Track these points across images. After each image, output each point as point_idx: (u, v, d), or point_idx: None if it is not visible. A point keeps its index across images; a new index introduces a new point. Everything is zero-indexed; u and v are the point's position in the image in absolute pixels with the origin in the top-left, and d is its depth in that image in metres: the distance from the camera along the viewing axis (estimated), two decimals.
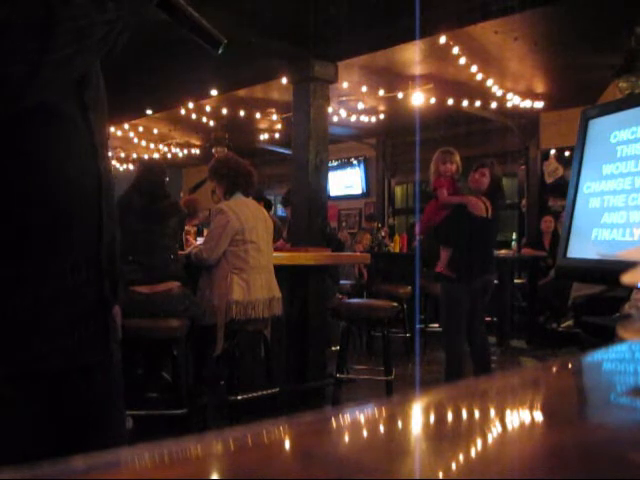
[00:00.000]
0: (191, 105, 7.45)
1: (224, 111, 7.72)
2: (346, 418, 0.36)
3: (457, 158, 4.26)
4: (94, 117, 0.98)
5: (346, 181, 10.79)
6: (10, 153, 0.87)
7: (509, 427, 0.36)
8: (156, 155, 10.78)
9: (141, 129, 9.22)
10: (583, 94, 6.22)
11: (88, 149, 0.96)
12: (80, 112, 0.95)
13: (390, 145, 10.18)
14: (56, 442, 0.93)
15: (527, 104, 7.31)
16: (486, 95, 6.87)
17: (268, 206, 5.79)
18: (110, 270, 1.02)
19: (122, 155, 11.26)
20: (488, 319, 7.03)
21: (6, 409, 0.88)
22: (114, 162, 11.65)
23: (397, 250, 6.86)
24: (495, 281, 6.09)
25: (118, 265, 1.08)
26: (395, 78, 6.50)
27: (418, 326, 5.97)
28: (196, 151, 10.74)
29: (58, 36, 0.80)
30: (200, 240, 3.89)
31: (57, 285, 0.91)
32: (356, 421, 0.36)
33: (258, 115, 8.03)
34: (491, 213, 4.00)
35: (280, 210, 9.28)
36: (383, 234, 7.35)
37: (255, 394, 3.29)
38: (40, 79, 0.81)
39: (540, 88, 6.99)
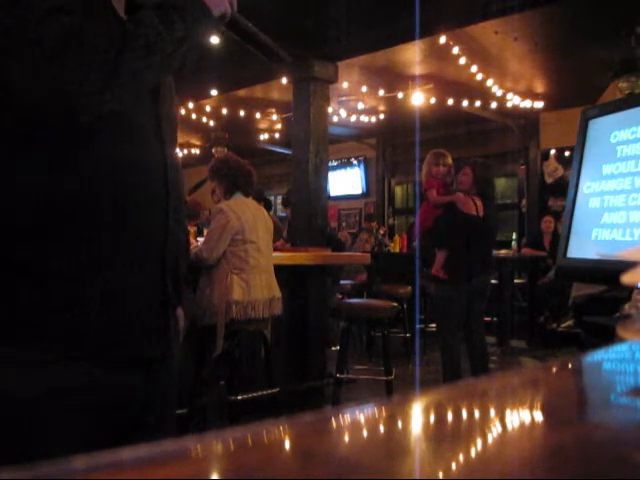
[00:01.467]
0: (191, 105, 7.45)
1: (224, 111, 7.72)
2: (346, 418, 0.36)
3: (449, 160, 4.23)
4: (166, 130, 1.06)
5: (346, 181, 10.79)
6: (86, 157, 0.93)
7: (509, 427, 0.36)
8: None
9: None
10: (583, 94, 6.22)
11: (159, 158, 1.03)
12: (153, 125, 1.03)
13: (390, 145, 10.18)
14: (113, 430, 0.98)
15: (527, 104, 7.31)
16: (486, 95, 6.87)
17: (268, 206, 5.79)
18: (174, 271, 1.08)
19: None
20: (488, 319, 7.04)
21: (69, 393, 0.92)
22: None
23: (397, 250, 6.85)
24: (495, 281, 6.20)
25: (183, 267, 1.15)
26: (395, 78, 6.50)
27: (418, 326, 5.97)
28: (196, 151, 10.74)
29: (130, 50, 0.88)
30: (200, 240, 3.89)
31: (122, 280, 0.97)
32: (356, 421, 0.36)
33: (258, 115, 8.03)
34: (483, 211, 3.92)
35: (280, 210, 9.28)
36: (382, 232, 7.35)
37: (255, 394, 3.29)
38: (112, 90, 0.89)
39: (540, 88, 6.99)
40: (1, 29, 0.83)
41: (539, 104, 7.38)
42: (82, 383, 0.93)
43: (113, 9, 0.99)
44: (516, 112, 7.58)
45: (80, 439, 0.91)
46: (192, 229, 4.33)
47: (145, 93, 1.02)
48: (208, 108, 7.68)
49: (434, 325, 6.48)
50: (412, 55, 5.77)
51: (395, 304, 4.00)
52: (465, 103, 7.19)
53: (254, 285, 3.23)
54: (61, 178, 0.92)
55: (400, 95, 6.89)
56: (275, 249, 4.02)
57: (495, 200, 4.24)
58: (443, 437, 0.34)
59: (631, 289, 1.47)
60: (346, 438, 0.33)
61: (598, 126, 1.67)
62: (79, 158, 0.93)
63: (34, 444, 0.88)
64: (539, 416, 0.39)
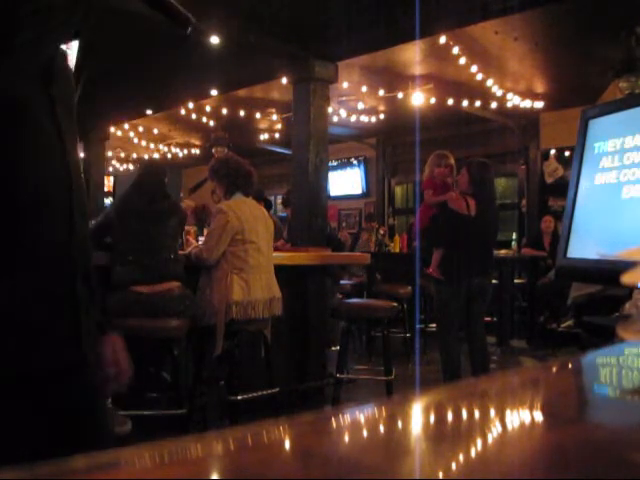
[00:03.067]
0: (191, 105, 7.45)
1: (224, 111, 7.72)
2: (346, 418, 0.36)
3: (450, 161, 4.24)
4: (61, 112, 0.96)
5: (346, 181, 10.79)
6: None
7: (509, 427, 0.36)
8: (156, 155, 10.78)
9: (141, 129, 9.22)
10: (583, 94, 6.21)
11: (55, 145, 0.95)
12: (47, 108, 0.93)
13: (390, 145, 10.18)
14: (42, 444, 0.91)
15: (527, 104, 7.31)
16: (486, 95, 6.87)
17: (268, 206, 5.77)
18: (83, 269, 1.01)
19: (122, 155, 11.27)
20: (488, 319, 7.04)
21: None
22: (114, 162, 11.67)
23: (397, 250, 6.85)
24: (495, 281, 6.23)
25: (90, 265, 1.06)
26: (395, 78, 6.50)
27: (418, 326, 5.97)
28: (196, 151, 10.75)
29: (20, 19, 0.80)
30: (200, 240, 3.90)
31: (26, 283, 0.90)
32: (356, 421, 0.36)
33: (258, 115, 8.03)
34: (475, 211, 3.93)
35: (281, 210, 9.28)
36: (382, 232, 7.35)
37: (255, 394, 3.29)
38: (6, 62, 0.81)
39: (540, 88, 6.99)
40: None
41: (539, 104, 7.38)
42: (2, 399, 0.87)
43: None
44: (516, 112, 7.58)
45: (9, 454, 0.84)
46: (192, 229, 4.33)
47: (36, 70, 0.93)
48: (208, 108, 7.68)
49: (434, 325, 6.51)
50: (412, 55, 5.77)
51: (395, 304, 4.00)
52: (465, 103, 7.19)
53: (254, 285, 3.23)
54: None
55: (400, 95, 6.89)
56: (275, 249, 4.02)
57: (493, 200, 4.20)
58: (443, 437, 0.34)
59: (631, 289, 1.47)
60: (346, 438, 0.33)
61: (598, 126, 1.67)
62: None
63: None
64: (539, 416, 0.39)
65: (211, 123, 8.32)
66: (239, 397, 3.18)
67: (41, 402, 0.93)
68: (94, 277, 1.09)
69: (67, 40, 0.95)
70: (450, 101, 7.06)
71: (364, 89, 6.84)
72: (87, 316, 1.02)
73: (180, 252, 3.38)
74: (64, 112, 0.97)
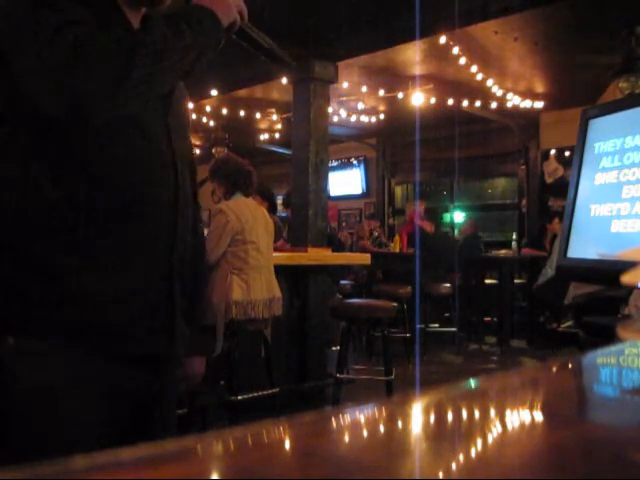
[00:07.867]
0: (191, 105, 7.45)
1: (224, 111, 7.72)
2: (346, 418, 0.36)
3: (423, 206, 6.87)
4: (176, 136, 1.12)
5: (346, 181, 10.78)
6: (99, 163, 1.00)
7: (509, 427, 0.36)
8: None
9: None
10: (583, 94, 6.21)
11: (169, 165, 1.09)
12: (164, 132, 1.09)
13: (390, 145, 10.17)
14: (123, 422, 1.04)
15: (527, 104, 7.30)
16: (486, 95, 6.87)
17: (273, 209, 5.68)
18: (180, 273, 1.13)
19: None
20: (488, 319, 7.04)
21: (78, 386, 0.98)
22: None
23: (397, 250, 6.85)
24: (495, 281, 6.80)
25: (194, 272, 1.22)
26: (395, 78, 6.50)
27: (418, 326, 5.97)
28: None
29: (140, 57, 0.93)
30: None
31: (132, 280, 1.03)
32: (356, 421, 0.36)
33: (258, 115, 8.03)
34: (434, 230, 6.52)
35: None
36: (377, 234, 7.36)
37: (255, 394, 3.29)
38: (123, 95, 0.94)
39: (540, 88, 6.99)
40: (15, 45, 0.89)
41: (539, 104, 7.38)
42: (94, 375, 0.99)
43: (127, 22, 1.06)
44: (516, 112, 7.57)
45: (93, 427, 0.97)
46: None
47: (156, 102, 1.07)
48: (208, 108, 7.67)
49: (434, 325, 6.52)
50: (412, 55, 5.77)
51: (395, 304, 4.00)
52: (465, 103, 7.18)
53: (254, 285, 3.23)
54: (74, 182, 0.97)
55: (400, 95, 6.89)
56: (275, 249, 4.02)
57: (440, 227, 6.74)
58: (443, 437, 0.34)
59: (631, 289, 1.47)
60: (346, 438, 0.33)
61: (598, 126, 1.67)
62: (92, 163, 0.99)
63: (52, 430, 0.94)
64: (539, 416, 0.39)
65: (211, 123, 8.32)
66: (239, 397, 3.18)
67: (129, 384, 1.05)
68: (203, 300, 1.29)
69: (180, 78, 1.10)
70: (450, 101, 7.06)
71: (364, 89, 6.84)
72: (182, 324, 1.15)
73: None
74: (178, 135, 1.13)
